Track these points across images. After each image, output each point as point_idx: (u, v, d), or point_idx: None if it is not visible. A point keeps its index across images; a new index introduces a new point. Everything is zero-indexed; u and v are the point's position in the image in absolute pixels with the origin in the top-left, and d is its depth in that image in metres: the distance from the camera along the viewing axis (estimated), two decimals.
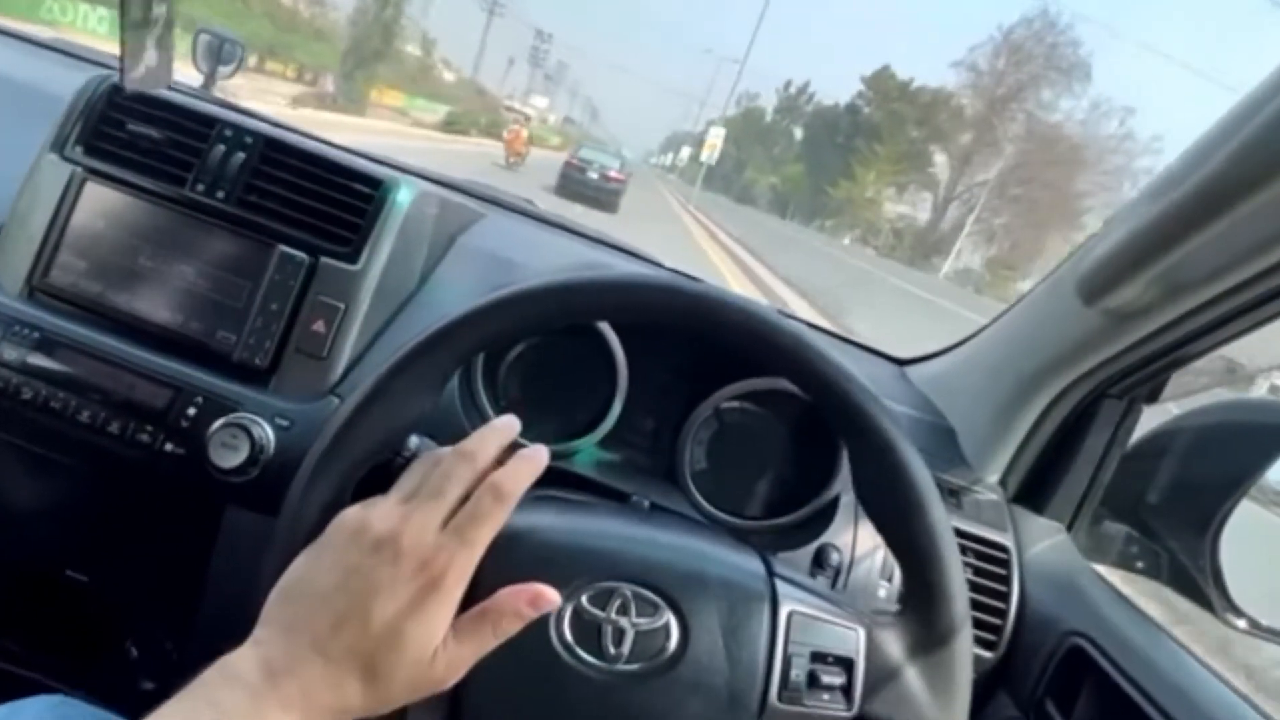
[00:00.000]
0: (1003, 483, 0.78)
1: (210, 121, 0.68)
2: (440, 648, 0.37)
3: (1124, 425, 0.74)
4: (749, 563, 0.45)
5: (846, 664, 0.43)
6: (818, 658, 0.42)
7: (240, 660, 0.35)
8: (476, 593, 0.39)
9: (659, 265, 1.04)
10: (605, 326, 0.70)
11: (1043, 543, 0.74)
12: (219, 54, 1.36)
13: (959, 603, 0.43)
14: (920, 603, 0.43)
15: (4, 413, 0.67)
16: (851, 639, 0.43)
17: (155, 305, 0.66)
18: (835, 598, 0.46)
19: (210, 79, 1.34)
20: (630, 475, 0.74)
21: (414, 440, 0.49)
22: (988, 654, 0.69)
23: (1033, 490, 0.78)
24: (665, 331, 0.47)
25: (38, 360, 0.64)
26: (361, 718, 0.37)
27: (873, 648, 0.43)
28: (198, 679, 0.34)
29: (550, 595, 0.39)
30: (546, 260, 0.84)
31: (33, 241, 0.66)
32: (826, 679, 0.42)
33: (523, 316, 0.45)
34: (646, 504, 0.65)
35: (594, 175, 13.10)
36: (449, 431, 0.49)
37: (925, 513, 0.43)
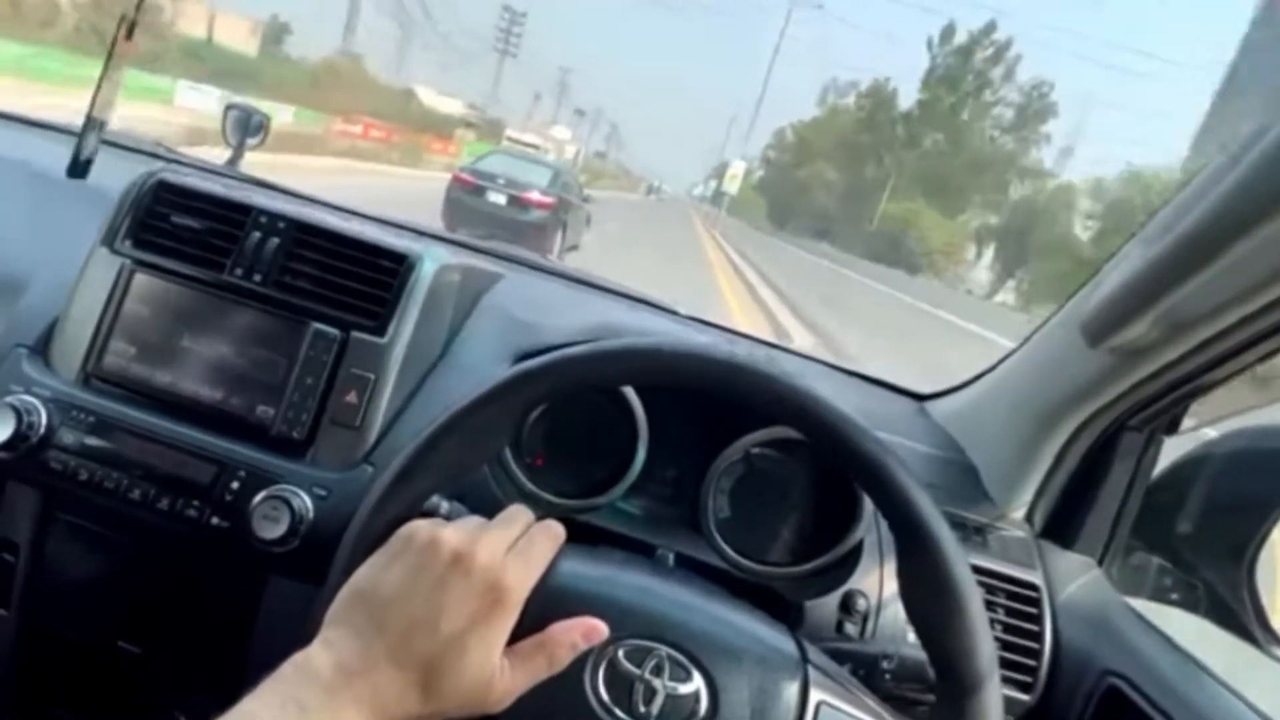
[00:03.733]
0: (1028, 519, 0.78)
1: (246, 210, 0.73)
2: (497, 671, 0.40)
3: (1146, 457, 0.74)
4: (784, 644, 0.47)
5: None
6: None
7: (315, 658, 0.38)
8: (523, 628, 0.41)
9: (674, 313, 1.07)
10: (630, 390, 0.73)
11: (1074, 579, 0.74)
12: (246, 126, 1.46)
13: (990, 688, 0.43)
14: (952, 706, 0.44)
15: (61, 494, 0.71)
16: None
17: (199, 384, 0.70)
18: (866, 694, 0.46)
19: (239, 150, 1.43)
20: (654, 526, 0.75)
21: (445, 505, 0.52)
22: (1024, 696, 0.68)
23: (1060, 525, 0.77)
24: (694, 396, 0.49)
25: (93, 443, 0.68)
26: None
27: None
28: (273, 676, 0.37)
29: (601, 629, 0.42)
30: (564, 319, 0.87)
31: (87, 332, 0.71)
32: None
33: (604, 372, 0.49)
34: (671, 557, 0.67)
35: (498, 198, 7.63)
36: (475, 493, 0.52)
37: (965, 614, 0.43)
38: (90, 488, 0.67)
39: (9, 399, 0.66)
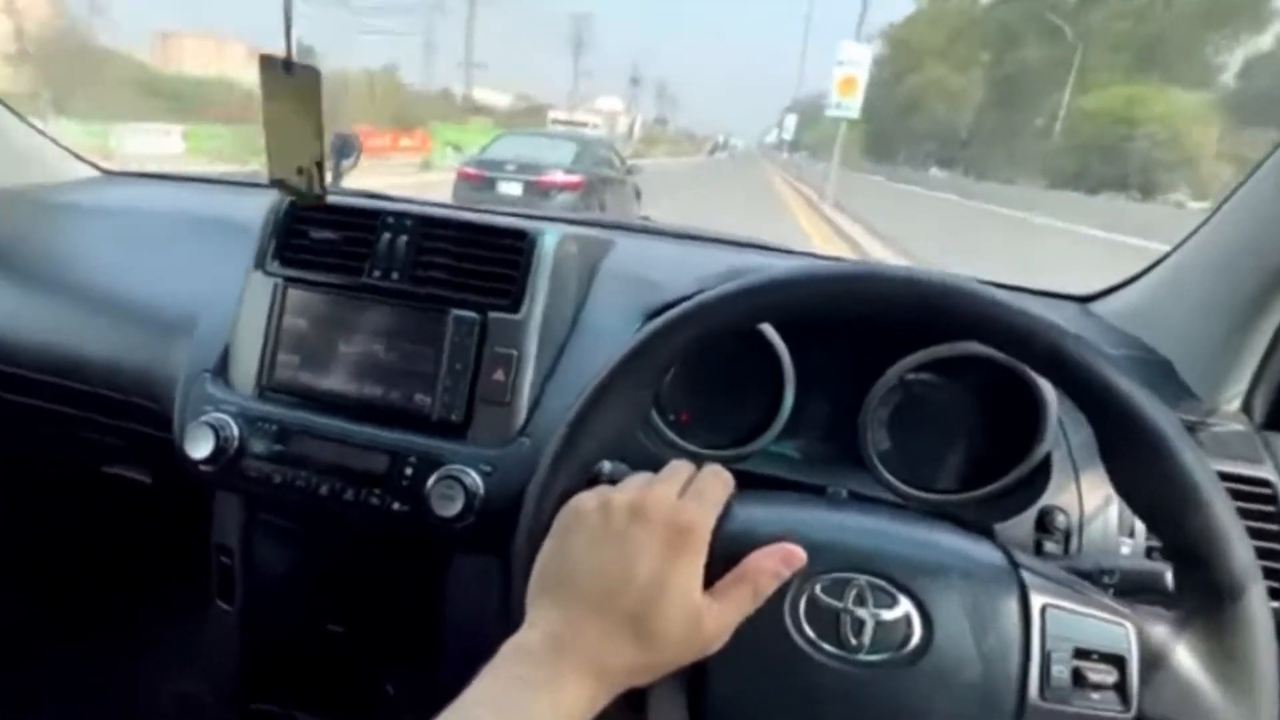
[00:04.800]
0: (1245, 410, 0.69)
1: (375, 214, 0.76)
2: (703, 609, 0.39)
3: None
4: (989, 554, 0.43)
5: (1117, 660, 0.39)
6: (1081, 654, 0.39)
7: (525, 638, 0.39)
8: (714, 577, 0.40)
9: (789, 251, 1.03)
10: (767, 325, 0.70)
11: None
12: (341, 150, 1.56)
13: (1253, 596, 0.37)
14: (1202, 601, 0.38)
15: (260, 498, 0.78)
16: (1120, 635, 0.39)
17: (359, 382, 0.75)
18: (1090, 589, 0.42)
19: (338, 172, 1.53)
20: (815, 467, 0.73)
21: (608, 465, 0.52)
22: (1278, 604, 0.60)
23: None
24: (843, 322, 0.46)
25: (280, 448, 0.74)
26: (645, 681, 0.40)
27: (1146, 645, 0.38)
28: (490, 664, 0.38)
29: (800, 553, 0.41)
30: (681, 273, 0.86)
31: (256, 349, 0.77)
32: (1095, 678, 0.38)
33: (747, 309, 0.47)
34: (844, 493, 0.64)
35: (511, 187, 6.64)
36: (633, 457, 0.51)
37: (1207, 507, 0.38)
38: (284, 488, 0.73)
39: (204, 418, 0.73)
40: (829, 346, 0.73)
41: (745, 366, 0.73)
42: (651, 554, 0.39)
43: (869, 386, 0.70)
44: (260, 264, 0.79)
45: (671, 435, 0.72)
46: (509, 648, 0.39)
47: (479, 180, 6.84)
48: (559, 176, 6.69)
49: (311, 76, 0.55)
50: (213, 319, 0.83)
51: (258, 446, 0.74)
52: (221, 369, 0.80)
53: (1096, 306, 0.85)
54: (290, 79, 0.56)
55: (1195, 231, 0.74)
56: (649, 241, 1.00)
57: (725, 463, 0.71)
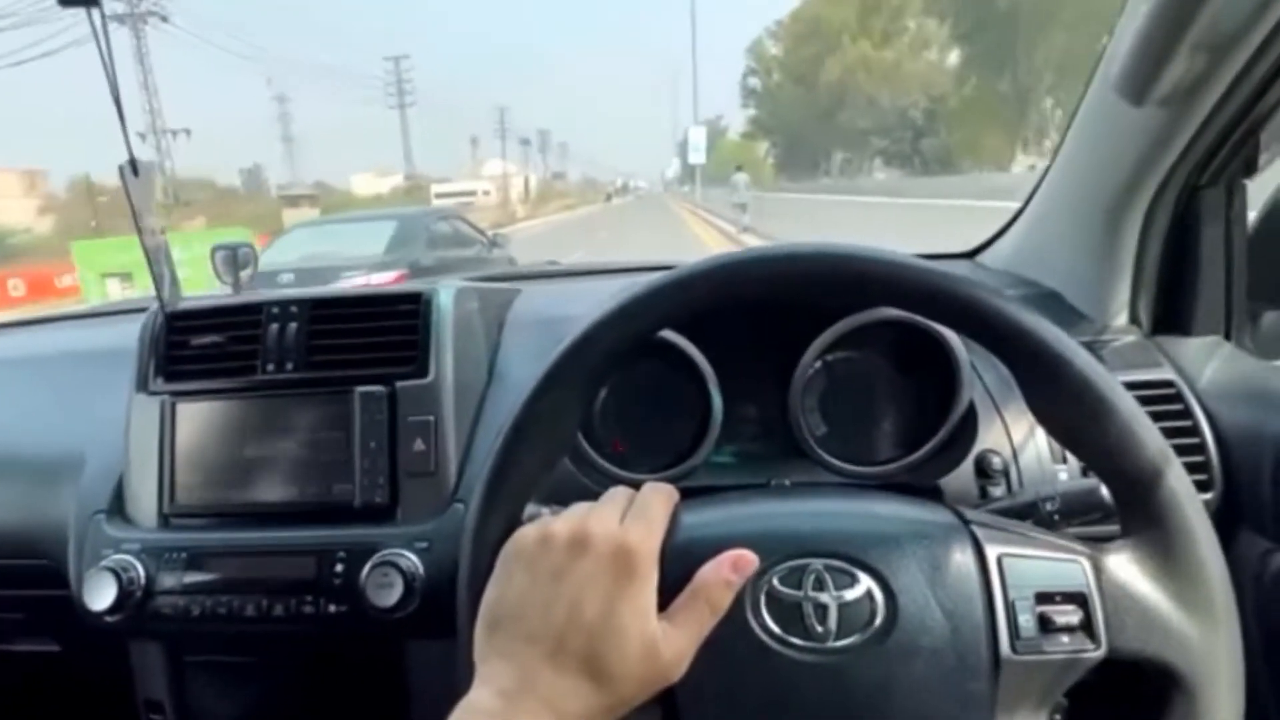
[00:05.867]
0: (1134, 320, 0.73)
1: (257, 308, 0.73)
2: (659, 635, 0.37)
3: (1233, 210, 0.68)
4: (937, 513, 0.43)
5: (1079, 599, 0.38)
6: (1044, 599, 0.38)
7: (478, 699, 0.36)
8: (668, 595, 0.38)
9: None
10: (679, 338, 0.70)
11: (1207, 361, 0.68)
12: (235, 261, 1.50)
13: (1186, 500, 0.38)
14: (1140, 511, 0.39)
15: (182, 637, 0.71)
16: (1076, 571, 0.39)
17: (272, 486, 0.70)
18: (1040, 531, 0.42)
19: (237, 284, 1.47)
20: (758, 466, 0.72)
21: (545, 511, 0.49)
22: (1207, 496, 0.62)
23: (1170, 314, 0.72)
24: (746, 307, 0.46)
25: (194, 577, 0.67)
26: None
27: (1103, 576, 0.38)
28: None
29: (749, 557, 0.39)
30: (594, 303, 0.85)
31: (152, 477, 0.71)
32: (1061, 620, 0.38)
33: (672, 302, 0.44)
34: (787, 482, 0.63)
35: None
36: (572, 496, 0.49)
37: (1114, 409, 0.38)
38: (206, 620, 0.66)
39: (103, 564, 0.67)
40: (745, 346, 0.74)
41: (670, 384, 0.72)
42: (598, 586, 0.37)
43: (791, 373, 0.70)
44: (143, 385, 0.74)
45: (609, 466, 0.70)
46: (460, 710, 0.36)
47: None
48: (362, 278, 4.25)
49: (150, 172, 0.52)
50: (101, 455, 0.76)
51: (168, 581, 0.67)
52: (117, 506, 0.73)
53: (982, 259, 0.90)
54: (137, 181, 0.53)
55: (1045, 174, 0.80)
56: (555, 284, 1.00)
57: (669, 482, 0.70)
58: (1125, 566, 0.38)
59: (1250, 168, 0.66)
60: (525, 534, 0.40)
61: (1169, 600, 0.37)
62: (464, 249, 5.82)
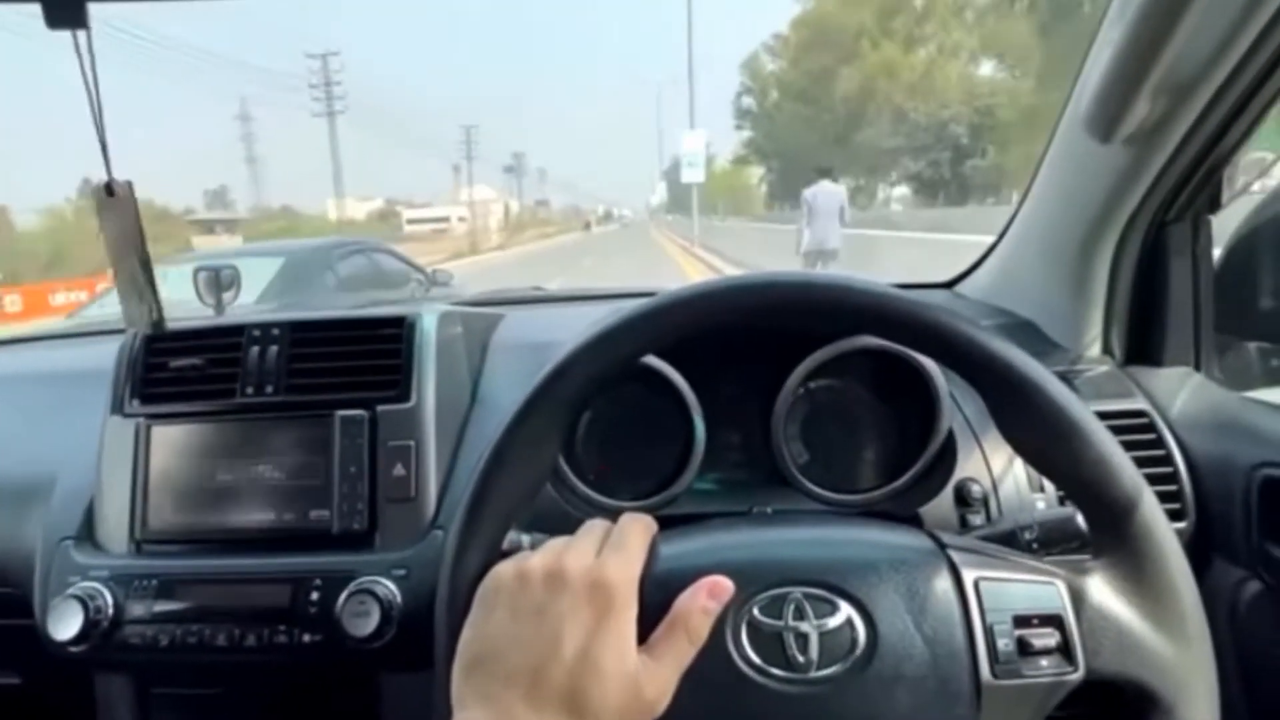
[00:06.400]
0: (1106, 351, 0.74)
1: (239, 330, 0.72)
2: (640, 670, 0.37)
3: (1199, 244, 0.70)
4: (914, 539, 0.43)
5: (1056, 621, 0.39)
6: (1021, 622, 0.39)
7: None
8: (649, 627, 0.38)
9: None
10: (663, 365, 0.70)
11: (1178, 392, 0.69)
12: (219, 282, 1.47)
13: (1159, 529, 0.38)
14: (1115, 539, 0.39)
15: (150, 669, 0.69)
16: (1052, 594, 0.39)
17: (248, 512, 0.68)
18: (1016, 555, 0.43)
19: (219, 306, 1.44)
20: (740, 494, 0.72)
21: (526, 539, 0.49)
22: (1181, 525, 0.63)
23: (1142, 345, 0.73)
24: (729, 335, 0.46)
25: (163, 606, 0.65)
26: None
27: (1078, 598, 0.39)
28: None
29: (725, 583, 0.39)
30: (572, 330, 0.86)
31: (124, 502, 0.70)
32: (1039, 643, 0.38)
33: (653, 329, 0.44)
34: (769, 510, 0.63)
35: None
36: (553, 525, 0.49)
37: (1090, 439, 0.39)
38: (175, 650, 0.64)
39: (69, 591, 0.65)
40: (728, 374, 0.74)
41: (654, 411, 0.72)
42: (576, 622, 0.36)
43: (773, 401, 0.71)
44: (118, 408, 0.72)
45: (591, 493, 0.69)
46: None
47: None
48: None
49: (130, 194, 0.52)
50: (72, 479, 0.75)
51: (137, 609, 0.65)
52: (87, 532, 0.71)
53: (960, 289, 0.92)
54: (113, 201, 0.53)
55: (1020, 207, 0.82)
56: (540, 309, 1.00)
57: (651, 510, 0.70)
58: (1099, 588, 0.39)
59: (1215, 204, 0.69)
60: (501, 571, 0.40)
61: (1142, 620, 0.38)
62: (389, 290, 4.63)
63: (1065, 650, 0.38)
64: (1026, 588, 0.39)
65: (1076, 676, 0.37)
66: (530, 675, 0.36)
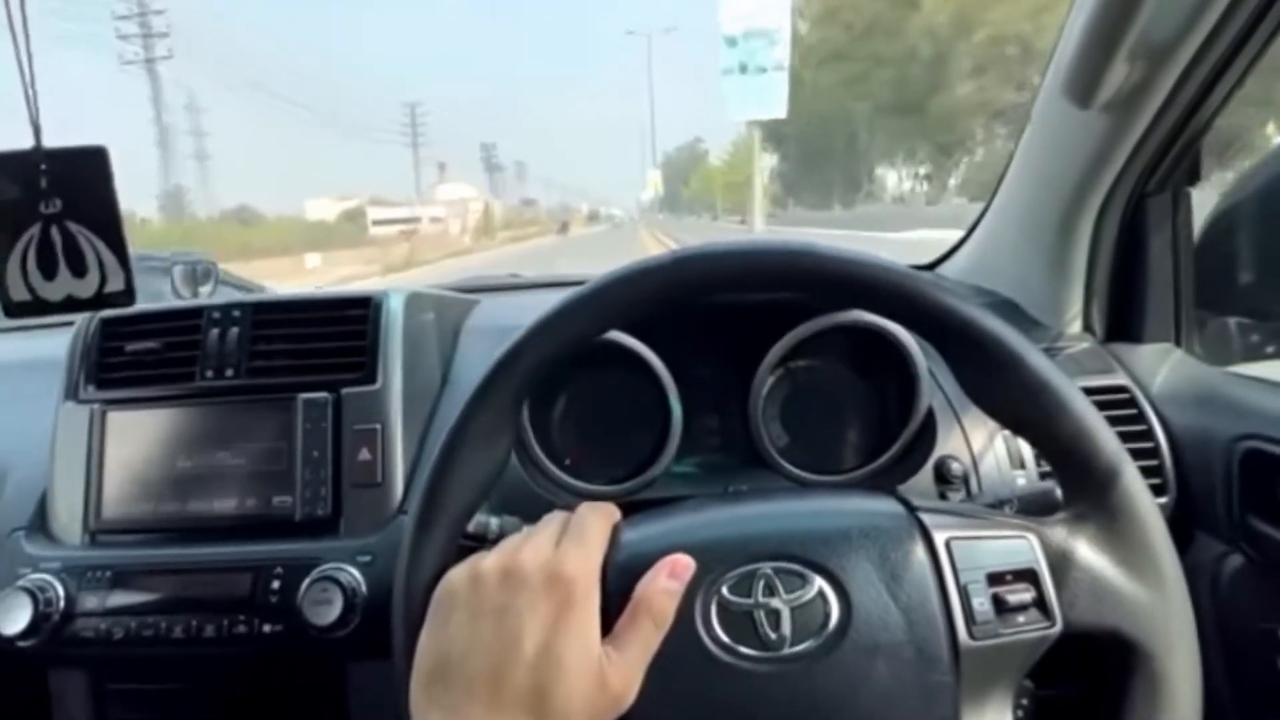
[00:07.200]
0: (1087, 328, 0.73)
1: (197, 312, 0.70)
2: (605, 661, 0.35)
3: (1179, 218, 0.69)
4: (883, 504, 0.41)
5: (1029, 575, 0.38)
6: (995, 579, 0.38)
7: None
8: (614, 618, 0.36)
9: None
10: (639, 346, 0.68)
11: (1159, 367, 0.68)
12: (196, 276, 1.44)
13: (1128, 476, 0.38)
14: (1086, 493, 0.38)
15: (104, 664, 0.66)
16: (1024, 548, 0.38)
17: (207, 499, 0.66)
18: (987, 512, 0.42)
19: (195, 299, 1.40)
20: (719, 477, 0.70)
21: (494, 522, 0.47)
22: (1163, 500, 0.62)
23: (1122, 322, 0.73)
24: (702, 314, 0.44)
25: (118, 598, 0.63)
26: None
27: (1051, 550, 0.38)
28: None
29: (686, 560, 0.38)
30: None
31: (78, 490, 0.67)
32: (1015, 599, 0.37)
33: (588, 315, 0.42)
34: (745, 488, 0.62)
35: None
36: (525, 508, 0.47)
37: (1069, 406, 0.38)
38: (130, 643, 0.62)
39: (18, 584, 0.62)
40: (705, 355, 0.73)
41: (630, 394, 0.70)
42: (535, 619, 0.35)
43: (751, 381, 0.69)
44: (72, 393, 0.70)
45: (566, 478, 0.68)
46: None
47: None
48: None
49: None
50: (25, 470, 0.72)
51: (89, 602, 0.63)
52: (40, 523, 0.68)
53: (941, 270, 0.91)
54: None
55: (998, 188, 0.81)
56: (515, 295, 0.98)
57: (628, 494, 0.68)
58: (1073, 540, 0.38)
59: (1194, 175, 0.68)
60: (454, 577, 0.38)
61: (1117, 568, 0.37)
62: None
63: (1041, 604, 0.37)
64: (998, 544, 0.38)
65: (1054, 631, 0.36)
66: (491, 679, 0.34)
